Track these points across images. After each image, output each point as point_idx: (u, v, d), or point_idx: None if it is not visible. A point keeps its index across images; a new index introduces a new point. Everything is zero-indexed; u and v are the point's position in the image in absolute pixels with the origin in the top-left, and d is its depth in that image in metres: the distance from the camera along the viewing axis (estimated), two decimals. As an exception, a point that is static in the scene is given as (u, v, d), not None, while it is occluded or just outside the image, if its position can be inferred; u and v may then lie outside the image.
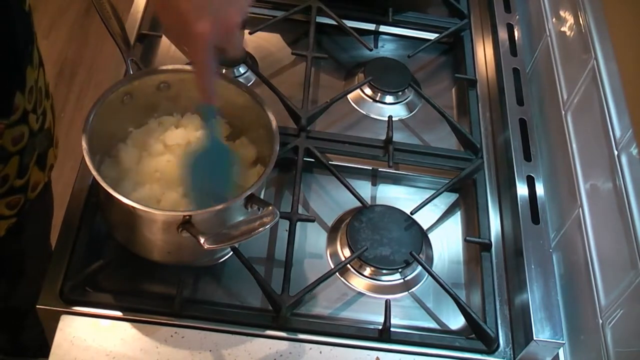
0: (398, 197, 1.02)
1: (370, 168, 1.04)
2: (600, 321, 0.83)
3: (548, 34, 1.11)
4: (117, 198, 0.76)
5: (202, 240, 0.74)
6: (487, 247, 0.95)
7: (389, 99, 1.12)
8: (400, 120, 1.11)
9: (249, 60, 1.10)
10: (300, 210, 0.96)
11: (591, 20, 0.97)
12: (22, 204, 0.96)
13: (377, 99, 1.12)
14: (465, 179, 1.02)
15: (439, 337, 0.87)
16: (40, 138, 0.96)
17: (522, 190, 0.97)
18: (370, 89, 1.12)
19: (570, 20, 1.04)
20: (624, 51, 0.86)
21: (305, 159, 1.00)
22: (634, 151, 0.81)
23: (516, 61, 1.12)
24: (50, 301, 0.83)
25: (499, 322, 0.89)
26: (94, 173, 0.77)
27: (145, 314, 0.83)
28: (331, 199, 1.00)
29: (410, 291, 0.93)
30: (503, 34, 1.16)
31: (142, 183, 0.85)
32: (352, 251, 0.92)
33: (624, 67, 0.86)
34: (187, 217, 0.76)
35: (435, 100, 1.08)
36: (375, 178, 1.04)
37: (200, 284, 0.89)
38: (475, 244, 0.96)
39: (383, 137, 1.04)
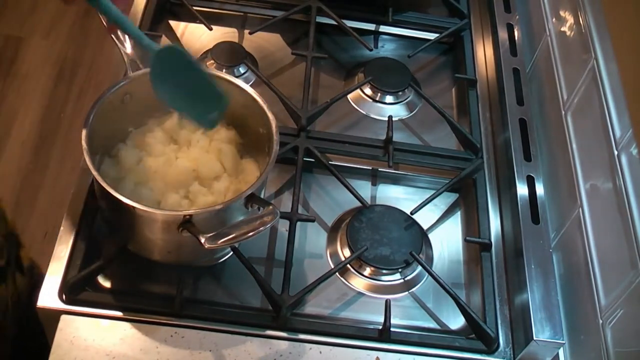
0: (398, 197, 1.02)
1: (370, 168, 1.04)
2: (600, 321, 0.83)
3: (548, 34, 1.11)
4: (117, 198, 0.76)
5: (202, 239, 0.74)
6: (487, 247, 0.95)
7: (389, 99, 1.12)
8: (400, 120, 1.11)
9: (249, 60, 1.10)
10: (300, 210, 0.96)
11: (591, 20, 0.97)
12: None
13: (377, 99, 1.12)
14: (465, 179, 1.02)
15: (439, 337, 0.87)
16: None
17: (522, 190, 0.97)
18: (370, 89, 1.12)
19: (570, 20, 1.04)
20: (624, 51, 0.86)
21: (305, 159, 1.00)
22: (634, 151, 0.81)
23: (516, 61, 1.12)
24: (50, 301, 0.83)
25: (499, 322, 0.89)
26: (94, 173, 0.77)
27: (145, 314, 0.83)
28: (331, 199, 1.00)
29: (410, 291, 0.93)
30: (503, 34, 1.16)
31: (142, 183, 0.85)
32: (352, 251, 0.92)
33: (624, 67, 0.85)
34: (188, 216, 0.76)
35: (435, 100, 1.08)
36: (375, 178, 1.04)
37: (200, 284, 0.89)
38: (475, 244, 0.96)
39: (383, 137, 1.04)
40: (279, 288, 0.86)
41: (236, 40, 1.16)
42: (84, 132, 0.80)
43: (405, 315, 0.90)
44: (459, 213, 1.02)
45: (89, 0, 0.77)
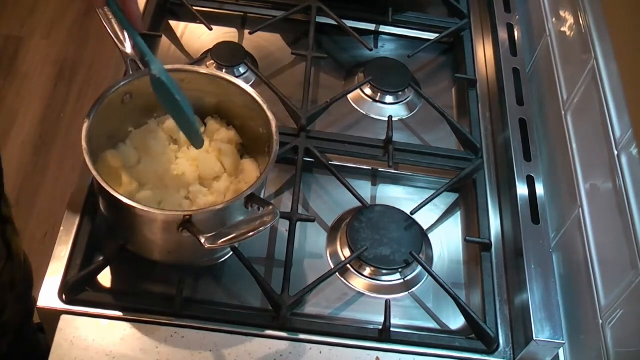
0: (398, 197, 1.02)
1: (370, 168, 1.04)
2: (600, 321, 0.83)
3: (548, 34, 1.11)
4: (117, 198, 0.76)
5: (202, 239, 0.74)
6: (487, 247, 0.95)
7: (389, 99, 1.12)
8: (400, 120, 1.11)
9: (249, 60, 1.10)
10: (300, 210, 0.96)
11: (591, 20, 0.97)
12: None
13: (377, 99, 1.12)
14: (465, 179, 1.02)
15: (439, 337, 0.87)
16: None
17: (522, 190, 0.97)
18: (370, 89, 1.12)
19: (570, 20, 1.04)
20: (624, 51, 0.86)
21: (305, 159, 1.00)
22: (634, 151, 0.81)
23: (516, 61, 1.12)
24: (50, 301, 0.83)
25: (499, 322, 0.89)
26: (94, 173, 0.77)
27: (145, 314, 0.83)
28: (331, 199, 1.00)
29: (410, 291, 0.93)
30: (503, 34, 1.16)
31: (142, 183, 0.85)
32: (352, 251, 0.92)
33: (624, 67, 0.86)
34: (188, 216, 0.76)
35: (435, 100, 1.08)
36: (375, 178, 1.04)
37: (200, 284, 0.89)
38: (475, 244, 0.96)
39: (383, 137, 1.04)
40: (279, 288, 0.86)
41: (236, 40, 1.16)
42: (84, 132, 0.80)
43: (405, 315, 0.90)
44: (459, 213, 1.02)
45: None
